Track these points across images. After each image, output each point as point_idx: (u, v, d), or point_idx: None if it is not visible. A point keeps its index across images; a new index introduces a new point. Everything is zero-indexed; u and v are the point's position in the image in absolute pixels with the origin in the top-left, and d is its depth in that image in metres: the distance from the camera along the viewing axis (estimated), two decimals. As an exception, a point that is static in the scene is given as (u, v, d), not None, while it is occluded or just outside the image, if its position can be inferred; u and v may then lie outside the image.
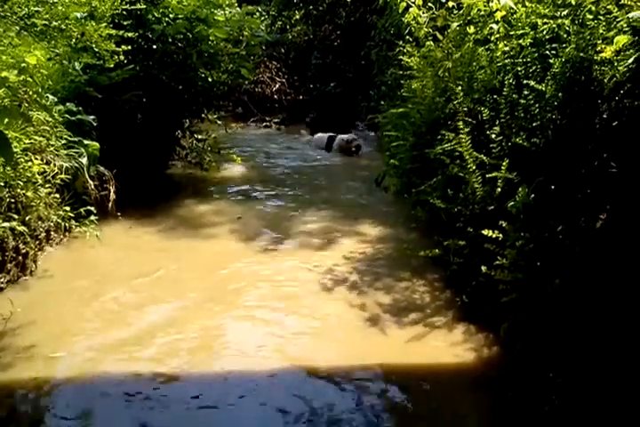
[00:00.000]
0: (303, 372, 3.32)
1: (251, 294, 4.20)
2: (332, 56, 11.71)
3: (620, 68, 3.52)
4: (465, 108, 4.53)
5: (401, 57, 5.93)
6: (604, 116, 3.67)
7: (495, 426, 2.94)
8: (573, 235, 3.28)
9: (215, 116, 7.52)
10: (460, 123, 4.25)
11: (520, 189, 3.59)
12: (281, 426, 2.91)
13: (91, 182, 5.01)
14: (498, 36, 4.73)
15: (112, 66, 4.67)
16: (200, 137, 7.26)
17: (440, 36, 5.62)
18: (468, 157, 4.13)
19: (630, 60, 3.47)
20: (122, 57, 5.51)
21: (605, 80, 3.60)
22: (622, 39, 3.56)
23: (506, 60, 4.42)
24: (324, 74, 11.65)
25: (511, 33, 4.53)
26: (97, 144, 5.11)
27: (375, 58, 9.68)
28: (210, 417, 2.95)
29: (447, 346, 3.54)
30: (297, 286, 4.34)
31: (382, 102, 8.21)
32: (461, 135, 4.19)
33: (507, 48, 4.48)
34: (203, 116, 7.22)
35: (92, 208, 4.72)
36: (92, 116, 5.34)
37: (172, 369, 3.28)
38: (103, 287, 4.18)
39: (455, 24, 5.21)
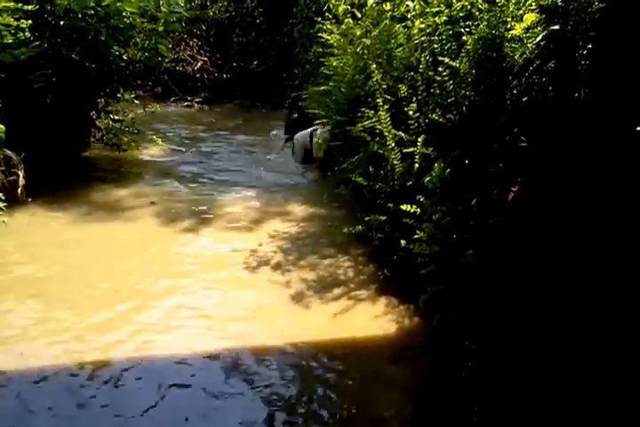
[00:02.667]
0: (229, 351, 3.30)
1: (170, 277, 4.11)
2: (254, 33, 11.50)
3: (529, 45, 3.64)
4: (384, 86, 4.58)
5: (321, 34, 5.90)
6: (515, 91, 3.79)
7: (415, 392, 3.02)
8: (486, 207, 3.40)
9: (132, 96, 7.23)
10: (380, 100, 4.28)
11: (436, 164, 3.67)
12: (210, 407, 2.89)
13: (-5, 167, 4.74)
14: (414, 13, 4.79)
15: (11, 41, 4.38)
16: (116, 118, 6.98)
17: (359, 14, 5.63)
18: (387, 133, 4.18)
19: (539, 38, 3.60)
20: (27, 33, 5.19)
21: (516, 57, 3.72)
22: (531, 17, 3.68)
23: (422, 38, 4.48)
24: (247, 52, 11.44)
25: (427, 10, 4.59)
26: (2, 126, 4.81)
27: (298, 35, 9.60)
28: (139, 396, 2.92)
29: (370, 319, 3.61)
30: (220, 267, 4.28)
31: (307, 81, 8.17)
32: (381, 112, 4.23)
33: (423, 25, 4.54)
34: (119, 95, 6.93)
35: (0, 194, 4.47)
36: (-4, 97, 5.02)
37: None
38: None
39: (372, 0, 5.21)
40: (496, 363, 2.87)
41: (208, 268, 4.27)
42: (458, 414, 2.81)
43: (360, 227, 4.29)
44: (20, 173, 5.04)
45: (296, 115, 7.70)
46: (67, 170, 5.89)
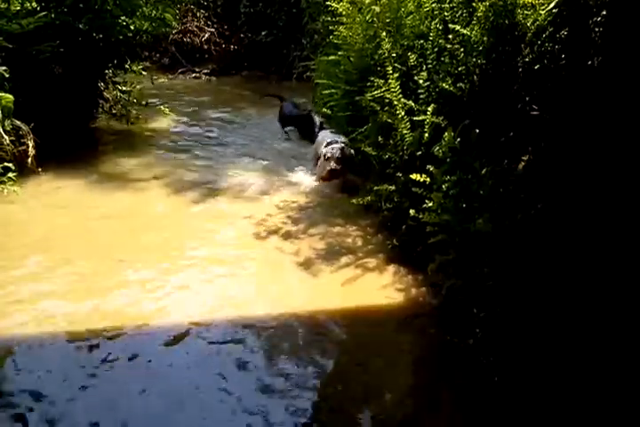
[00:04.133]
0: (239, 317, 3.35)
1: (182, 246, 4.16)
2: (262, 4, 11.32)
3: (541, 11, 3.58)
4: (394, 55, 4.51)
5: (330, 3, 5.81)
6: (527, 59, 3.74)
7: (424, 360, 3.07)
8: (497, 177, 3.38)
9: (140, 67, 7.18)
10: (389, 69, 4.24)
11: (446, 133, 3.65)
12: (216, 372, 2.95)
13: (6, 137, 4.75)
14: (424, -21, 4.69)
15: (18, 9, 4.34)
16: (124, 89, 6.96)
17: (368, -19, 5.52)
18: (396, 103, 4.15)
19: (552, 4, 3.53)
20: (34, 3, 5.15)
21: (528, 24, 3.65)
22: (543, -18, 3.61)
23: (432, 5, 4.39)
24: (255, 23, 11.29)
25: (437, -24, 4.50)
26: (10, 96, 4.81)
27: (306, 5, 9.44)
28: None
29: (379, 287, 3.64)
30: (230, 236, 4.32)
31: (315, 51, 8.06)
32: (390, 81, 4.19)
33: (433, -8, 4.45)
34: (126, 66, 6.88)
35: (10, 164, 4.49)
36: (4, 67, 5.01)
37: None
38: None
39: (382, -33, 5.10)
40: (504, 330, 2.90)
41: (217, 238, 4.31)
42: (466, 380, 2.86)
43: (369, 197, 4.30)
44: (30, 143, 5.06)
45: (291, 108, 6.98)
46: (75, 141, 5.90)
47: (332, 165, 4.93)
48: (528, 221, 3.05)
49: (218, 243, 4.24)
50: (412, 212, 3.71)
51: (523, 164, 3.51)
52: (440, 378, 2.95)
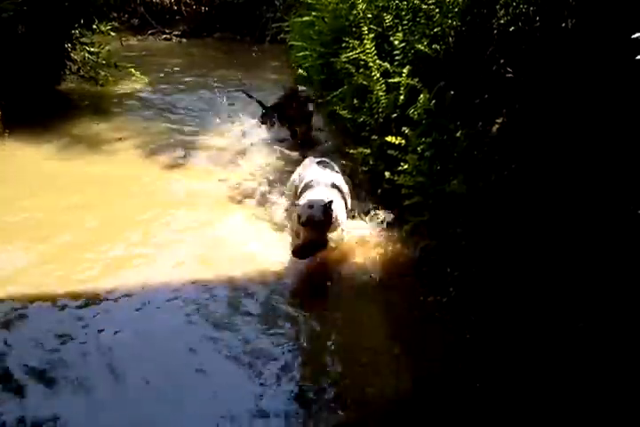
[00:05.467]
0: (216, 282, 3.38)
1: (154, 209, 4.13)
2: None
3: (517, -28, 3.55)
4: (369, 15, 4.45)
5: (303, -39, 5.67)
6: (502, 21, 3.73)
7: (399, 317, 3.14)
8: (471, 139, 3.41)
9: (108, 28, 6.94)
10: (365, 30, 4.19)
11: (421, 95, 3.65)
12: (196, 333, 3.00)
13: (-30, 99, 4.60)
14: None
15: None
16: (92, 50, 6.73)
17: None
18: (372, 64, 4.12)
19: (527, -35, 3.50)
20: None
21: (503, -15, 3.63)
22: (519, -60, 3.56)
23: (408, -36, 4.32)
24: (226, -18, 10.97)
25: None
26: (-27, 56, 4.64)
27: (278, -36, 9.21)
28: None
29: (357, 248, 3.67)
30: (204, 200, 4.29)
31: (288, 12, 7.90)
32: (365, 42, 4.15)
33: (409, -49, 4.37)
34: (94, 27, 6.64)
35: (-24, 127, 4.37)
36: (-35, 25, 4.81)
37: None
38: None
39: None
40: (477, 288, 2.97)
41: (189, 201, 4.28)
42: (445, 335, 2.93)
43: (344, 161, 4.29)
44: (-5, 106, 4.91)
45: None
46: (43, 103, 5.74)
47: (308, 236, 3.40)
48: (501, 183, 3.09)
49: (191, 206, 4.21)
50: (387, 174, 3.74)
51: (497, 126, 3.54)
52: (421, 336, 3.00)
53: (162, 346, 2.89)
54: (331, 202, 3.39)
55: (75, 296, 3.20)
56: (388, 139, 3.68)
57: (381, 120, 4.16)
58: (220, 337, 2.95)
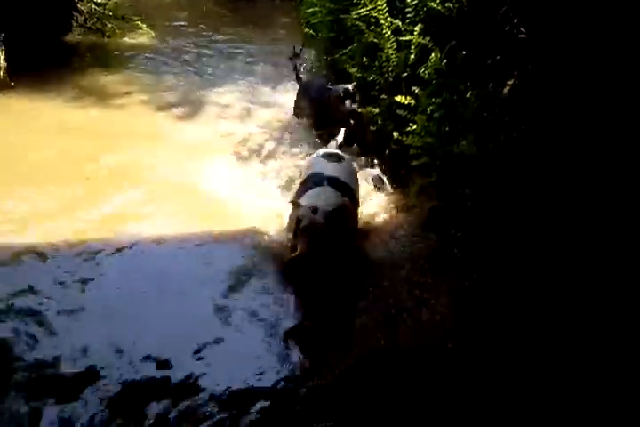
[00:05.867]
0: (219, 236, 3.48)
1: (158, 163, 4.18)
2: None
3: None
4: (381, -29, 4.35)
5: None
6: (517, -21, 3.64)
7: (406, 274, 3.17)
8: (482, 99, 3.39)
9: (115, -22, 6.81)
10: (376, -15, 4.10)
11: (433, 54, 3.61)
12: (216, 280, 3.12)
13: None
14: None
15: None
16: (99, 1, 6.62)
17: None
18: (383, 22, 4.05)
19: None
20: None
21: (520, -59, 3.53)
22: None
23: None
24: None
25: None
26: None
27: None
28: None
29: (363, 209, 3.70)
30: (209, 156, 4.32)
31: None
32: (377, -1, 4.07)
33: None
34: (101, -23, 6.52)
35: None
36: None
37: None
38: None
39: None
40: (479, 250, 3.02)
41: (197, 156, 4.30)
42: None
43: (352, 120, 4.27)
44: (1, 55, 4.86)
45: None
46: (49, 55, 5.68)
47: (305, 247, 2.80)
48: (511, 144, 3.10)
49: (196, 160, 4.24)
50: (395, 134, 3.74)
51: (508, 87, 3.51)
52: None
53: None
54: (342, 208, 2.87)
55: (72, 245, 3.31)
56: (398, 98, 3.66)
57: (391, 79, 4.12)
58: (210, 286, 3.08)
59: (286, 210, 3.29)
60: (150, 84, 5.53)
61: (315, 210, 2.82)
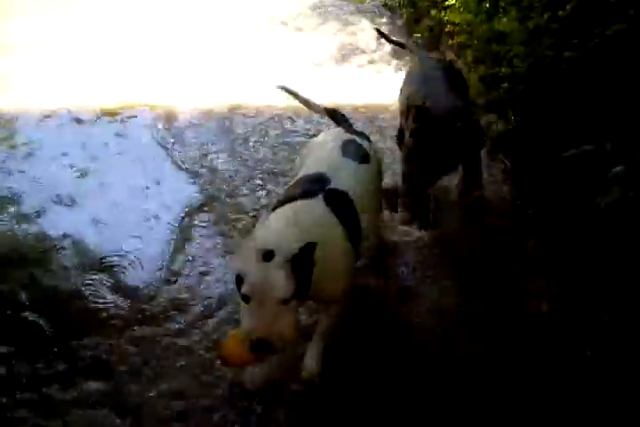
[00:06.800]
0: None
1: (191, 34, 4.11)
2: None
3: None
4: None
5: None
6: None
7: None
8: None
9: None
10: None
11: None
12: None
13: None
14: None
15: None
16: None
17: None
18: None
19: None
20: None
21: None
22: None
23: None
24: None
25: None
26: None
27: None
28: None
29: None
30: (239, 28, 4.22)
31: None
32: None
33: None
34: None
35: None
36: None
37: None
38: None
39: None
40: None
41: (225, 28, 4.21)
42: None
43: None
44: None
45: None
46: None
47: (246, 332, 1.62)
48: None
49: (226, 32, 4.15)
50: (432, 12, 3.56)
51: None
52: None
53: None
54: (305, 254, 1.62)
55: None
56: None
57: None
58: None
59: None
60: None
61: (268, 254, 1.61)
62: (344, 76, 3.73)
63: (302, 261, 1.63)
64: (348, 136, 2.20)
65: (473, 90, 2.97)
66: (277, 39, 4.09)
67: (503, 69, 2.96)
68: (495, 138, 2.94)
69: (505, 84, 2.92)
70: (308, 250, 1.64)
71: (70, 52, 3.95)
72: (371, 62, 3.87)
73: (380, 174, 2.26)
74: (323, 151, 2.13)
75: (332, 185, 1.93)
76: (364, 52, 3.97)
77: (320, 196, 1.88)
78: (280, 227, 1.76)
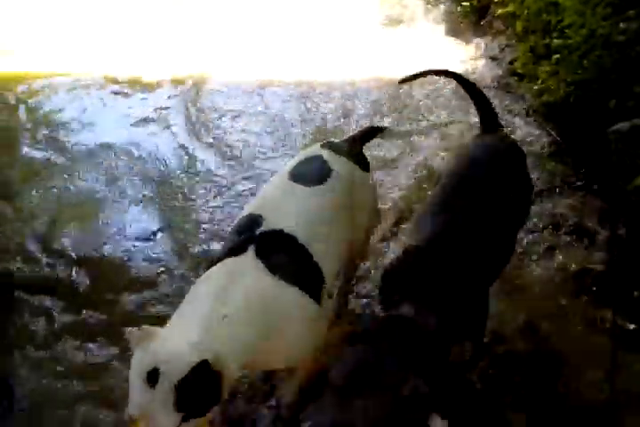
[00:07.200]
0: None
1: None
2: None
3: None
4: None
5: None
6: None
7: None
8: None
9: None
10: None
11: None
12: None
13: None
14: None
15: None
16: None
17: None
18: None
19: None
20: None
21: None
22: None
23: None
24: None
25: None
26: None
27: None
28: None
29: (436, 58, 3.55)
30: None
31: None
32: None
33: None
34: None
35: None
36: None
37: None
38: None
39: None
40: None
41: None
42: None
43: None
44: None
45: None
46: None
47: None
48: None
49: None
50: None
51: None
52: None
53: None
54: (199, 374, 1.23)
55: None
56: None
57: None
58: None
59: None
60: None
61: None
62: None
63: (196, 383, 1.21)
64: (314, 153, 1.80)
65: (521, 60, 3.06)
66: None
67: (555, 40, 2.92)
68: (544, 108, 2.94)
69: (557, 56, 2.89)
70: (202, 369, 1.21)
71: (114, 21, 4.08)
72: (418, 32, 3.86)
73: (364, 187, 1.85)
74: (268, 183, 1.77)
75: (266, 226, 1.51)
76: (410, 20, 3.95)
77: (249, 250, 1.46)
78: (180, 323, 1.34)
